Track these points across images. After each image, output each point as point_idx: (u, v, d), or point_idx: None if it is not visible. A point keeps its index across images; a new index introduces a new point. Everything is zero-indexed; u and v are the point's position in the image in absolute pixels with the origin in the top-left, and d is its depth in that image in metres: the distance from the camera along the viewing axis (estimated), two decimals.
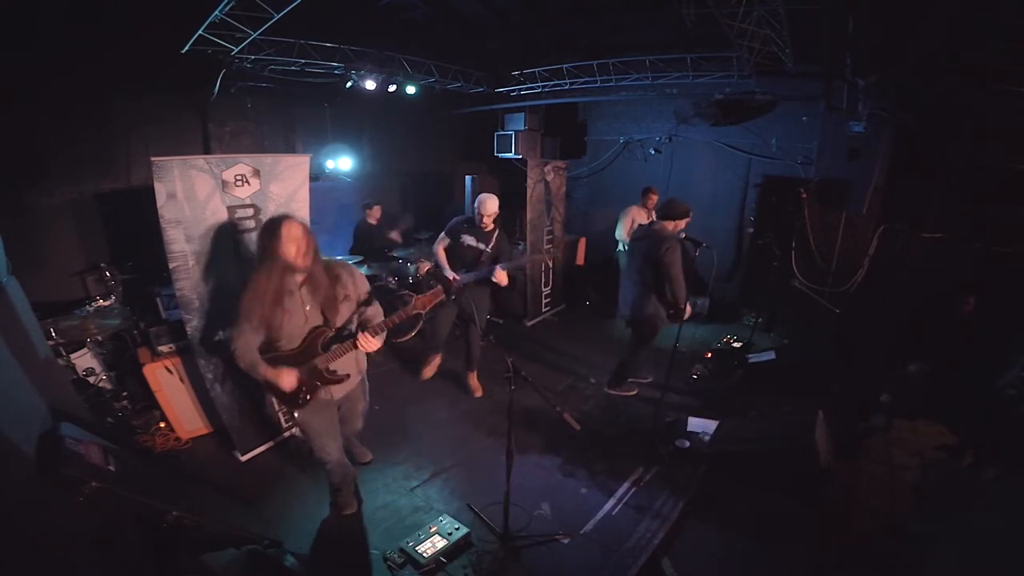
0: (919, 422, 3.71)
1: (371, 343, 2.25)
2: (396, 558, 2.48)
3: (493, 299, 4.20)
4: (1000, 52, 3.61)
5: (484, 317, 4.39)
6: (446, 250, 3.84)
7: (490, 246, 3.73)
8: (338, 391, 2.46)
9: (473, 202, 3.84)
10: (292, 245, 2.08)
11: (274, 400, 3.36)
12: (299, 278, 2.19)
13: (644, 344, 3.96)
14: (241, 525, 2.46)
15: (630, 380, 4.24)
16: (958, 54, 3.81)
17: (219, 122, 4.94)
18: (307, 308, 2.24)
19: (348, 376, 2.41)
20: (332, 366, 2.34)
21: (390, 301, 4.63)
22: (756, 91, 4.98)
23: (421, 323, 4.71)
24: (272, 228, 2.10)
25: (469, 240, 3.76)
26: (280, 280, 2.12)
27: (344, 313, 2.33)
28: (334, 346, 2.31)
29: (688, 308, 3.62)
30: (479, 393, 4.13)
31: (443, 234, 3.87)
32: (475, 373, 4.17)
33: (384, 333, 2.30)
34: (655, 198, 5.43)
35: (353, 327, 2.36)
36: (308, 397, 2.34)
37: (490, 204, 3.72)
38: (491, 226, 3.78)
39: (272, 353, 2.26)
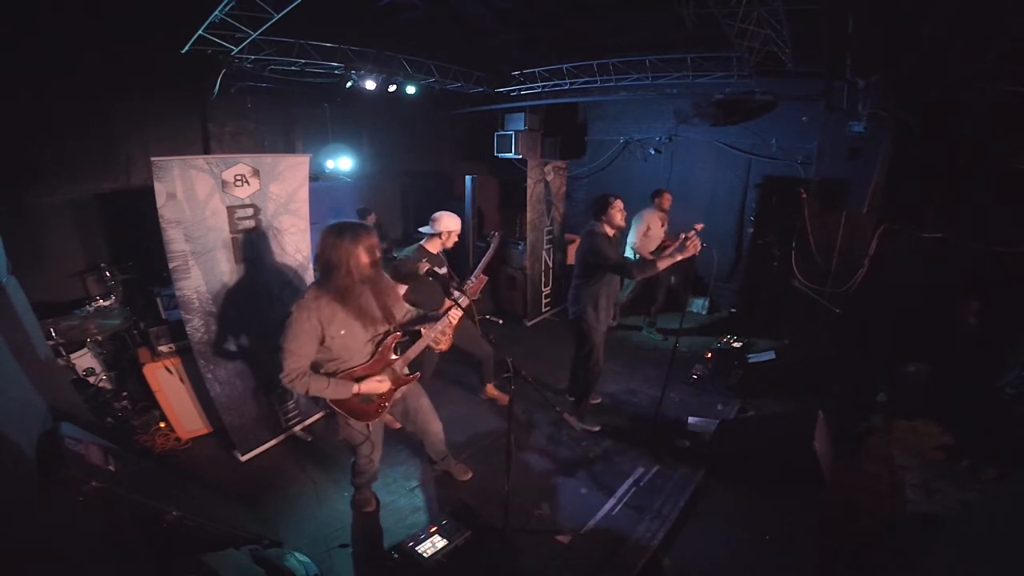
0: (919, 422, 3.71)
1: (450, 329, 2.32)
2: (397, 558, 2.48)
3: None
4: (1000, 52, 3.61)
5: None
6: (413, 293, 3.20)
7: (446, 265, 3.39)
8: (401, 391, 2.44)
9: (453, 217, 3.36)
10: (368, 256, 2.01)
11: (272, 400, 3.38)
12: (362, 287, 2.10)
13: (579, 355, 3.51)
14: (241, 525, 2.47)
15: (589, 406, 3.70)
16: (958, 54, 3.81)
17: (219, 122, 4.93)
18: (373, 314, 2.18)
19: (420, 375, 2.43)
20: (406, 368, 2.36)
21: None
22: (756, 91, 4.98)
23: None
24: (348, 241, 1.97)
25: (442, 270, 3.27)
26: (345, 295, 2.04)
27: (400, 314, 2.34)
28: (403, 348, 2.33)
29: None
30: (506, 400, 3.57)
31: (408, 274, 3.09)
32: (492, 383, 3.96)
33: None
34: (669, 198, 5.07)
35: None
36: (387, 404, 2.34)
37: (451, 221, 3.32)
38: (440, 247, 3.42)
39: (346, 371, 2.18)
